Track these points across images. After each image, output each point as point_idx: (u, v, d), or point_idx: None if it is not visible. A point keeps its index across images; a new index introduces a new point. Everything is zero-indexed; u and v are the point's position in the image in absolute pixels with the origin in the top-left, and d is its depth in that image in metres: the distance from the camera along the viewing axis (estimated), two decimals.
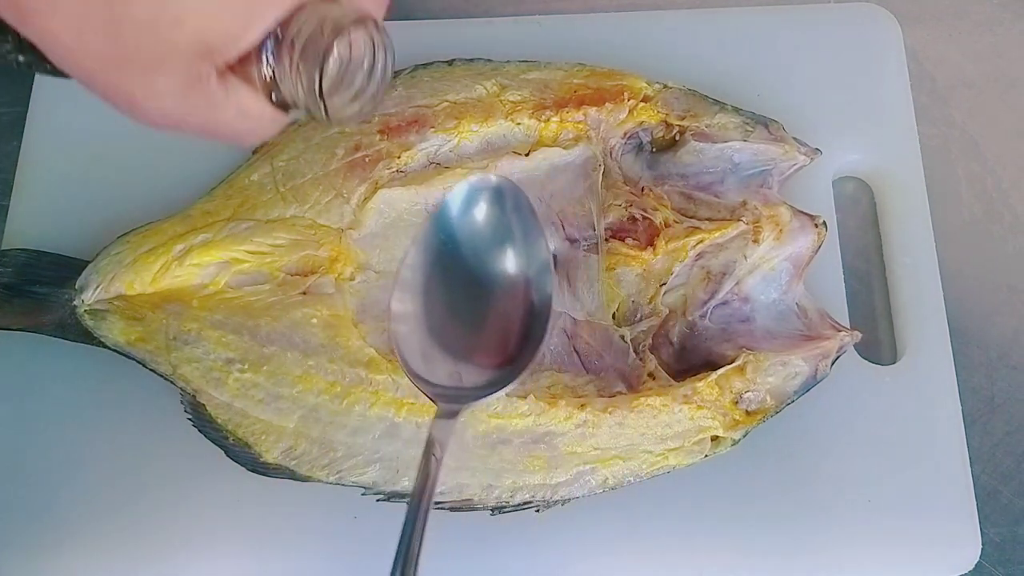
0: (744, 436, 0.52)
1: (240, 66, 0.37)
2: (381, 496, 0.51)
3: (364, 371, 0.52)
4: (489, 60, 0.60)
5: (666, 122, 0.57)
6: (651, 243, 0.55)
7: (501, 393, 0.43)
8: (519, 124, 0.57)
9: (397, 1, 0.68)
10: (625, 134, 0.57)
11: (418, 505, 0.39)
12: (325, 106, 0.39)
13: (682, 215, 0.56)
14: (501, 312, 0.46)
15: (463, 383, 0.44)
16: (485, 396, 0.43)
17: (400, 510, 0.50)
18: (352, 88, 0.40)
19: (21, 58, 0.38)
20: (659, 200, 0.56)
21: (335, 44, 0.37)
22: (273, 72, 0.38)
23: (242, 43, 0.36)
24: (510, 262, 0.47)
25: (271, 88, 0.38)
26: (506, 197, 0.46)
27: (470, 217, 0.46)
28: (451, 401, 0.43)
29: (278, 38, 0.37)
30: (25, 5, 0.33)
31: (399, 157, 0.56)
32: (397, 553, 0.38)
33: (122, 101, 0.36)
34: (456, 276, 0.47)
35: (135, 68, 0.35)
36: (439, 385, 0.44)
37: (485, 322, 0.47)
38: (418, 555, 0.38)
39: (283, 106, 0.39)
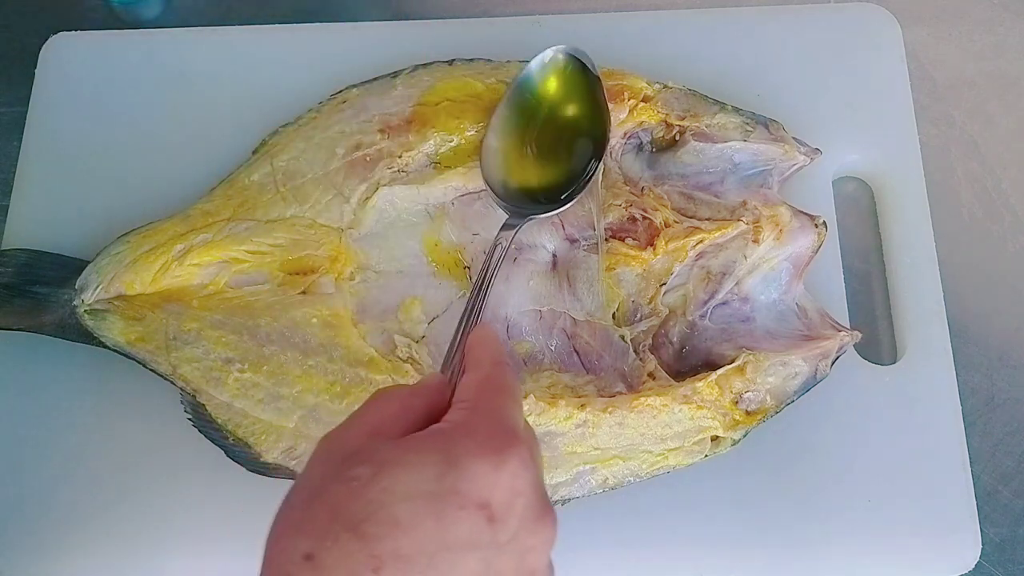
0: (744, 436, 0.52)
1: None
2: None
3: (364, 371, 0.51)
4: (489, 60, 0.60)
5: (666, 122, 0.57)
6: (651, 243, 0.54)
7: (552, 214, 0.54)
8: None
9: (397, 1, 0.69)
10: (625, 134, 0.57)
11: (485, 273, 0.49)
12: None
13: (682, 215, 0.56)
14: (563, 155, 0.56)
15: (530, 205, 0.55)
16: (541, 214, 0.54)
17: None
18: None
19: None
20: (659, 200, 0.56)
21: None
22: None
23: None
24: (573, 119, 0.57)
25: None
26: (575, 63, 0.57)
27: (546, 80, 0.57)
28: (517, 212, 0.54)
29: None
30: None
31: (400, 156, 0.56)
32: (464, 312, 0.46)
33: None
34: (531, 128, 0.56)
35: None
36: (510, 200, 0.54)
37: (550, 161, 0.56)
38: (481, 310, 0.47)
39: None
